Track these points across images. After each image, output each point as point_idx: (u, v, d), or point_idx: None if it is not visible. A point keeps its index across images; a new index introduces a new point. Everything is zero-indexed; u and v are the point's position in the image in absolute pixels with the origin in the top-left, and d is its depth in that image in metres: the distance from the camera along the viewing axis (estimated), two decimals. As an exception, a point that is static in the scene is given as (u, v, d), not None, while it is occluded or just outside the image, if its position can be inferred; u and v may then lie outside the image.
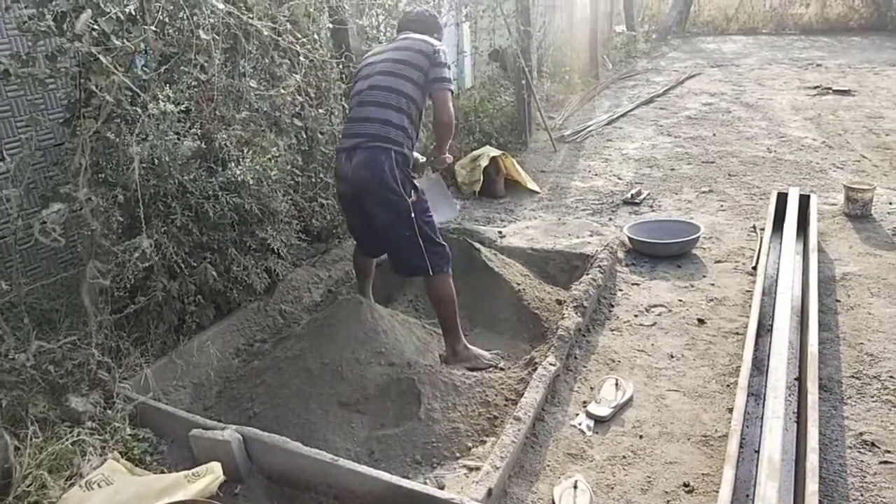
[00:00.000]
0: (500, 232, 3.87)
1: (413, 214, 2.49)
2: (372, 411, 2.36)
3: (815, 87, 7.34)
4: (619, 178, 4.92)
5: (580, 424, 2.27)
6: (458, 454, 2.16)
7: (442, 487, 1.99)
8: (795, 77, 8.07)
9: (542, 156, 5.64)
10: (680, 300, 3.11)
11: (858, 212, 3.87)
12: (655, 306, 3.07)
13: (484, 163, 4.63)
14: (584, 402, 2.39)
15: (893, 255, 3.38)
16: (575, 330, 2.71)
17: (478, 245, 3.35)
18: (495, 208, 4.51)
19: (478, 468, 1.99)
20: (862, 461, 2.04)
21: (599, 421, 2.29)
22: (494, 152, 4.75)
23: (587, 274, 3.13)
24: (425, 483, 2.00)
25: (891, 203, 4.05)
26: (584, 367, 2.63)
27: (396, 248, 2.63)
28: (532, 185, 4.81)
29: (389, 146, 2.49)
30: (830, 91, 7.11)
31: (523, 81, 5.76)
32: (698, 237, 3.58)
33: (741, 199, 4.33)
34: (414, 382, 2.38)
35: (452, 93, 2.65)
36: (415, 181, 2.59)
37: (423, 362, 2.48)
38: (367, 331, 2.54)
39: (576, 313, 2.78)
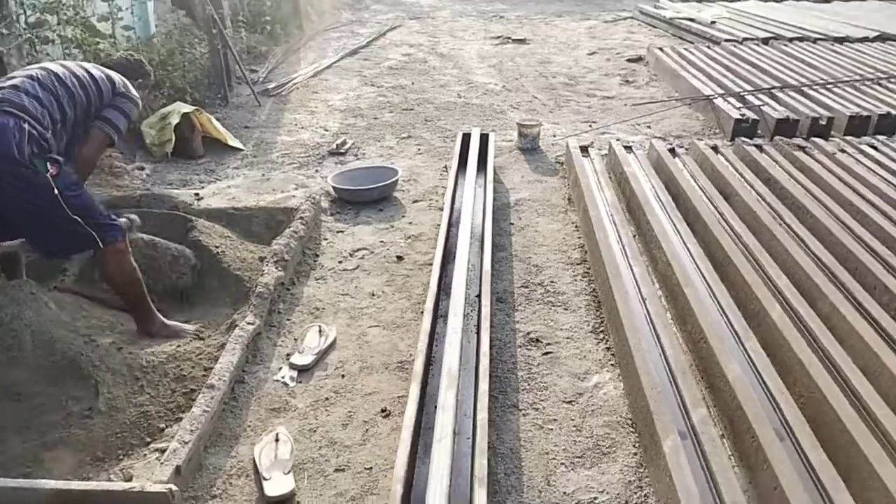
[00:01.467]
0: (196, 194, 3.59)
1: (56, 190, 2.13)
2: (39, 412, 2.03)
3: (498, 37, 8.15)
4: (326, 130, 4.91)
5: (283, 378, 2.25)
6: (148, 439, 1.97)
7: (129, 479, 1.81)
8: (482, 28, 8.85)
9: (245, 111, 5.35)
10: (381, 241, 3.24)
11: (529, 145, 4.43)
12: (359, 250, 3.16)
13: (174, 120, 4.22)
14: (288, 355, 2.37)
15: (555, 180, 3.96)
16: (276, 284, 2.65)
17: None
18: (193, 169, 4.17)
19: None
20: (529, 356, 2.37)
21: (303, 370, 2.29)
22: (186, 108, 4.35)
23: (289, 227, 3.08)
24: (110, 479, 1.79)
25: (554, 136, 4.71)
26: (289, 320, 2.60)
27: (40, 228, 2.24)
28: (234, 143, 4.54)
29: (26, 118, 2.10)
30: (510, 40, 7.95)
31: (215, 31, 5.35)
32: (396, 181, 3.75)
33: (436, 143, 4.64)
34: (90, 372, 2.10)
35: (112, 144, 2.55)
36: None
37: (99, 347, 2.19)
38: (24, 319, 2.15)
39: (276, 268, 2.72)
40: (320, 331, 2.47)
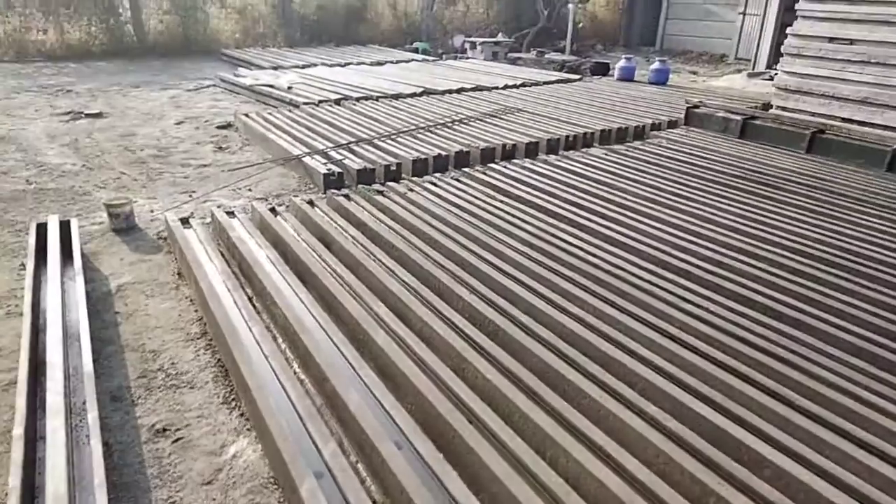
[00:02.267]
0: None
1: None
2: None
3: (68, 113, 7.34)
4: None
5: None
6: None
7: None
8: (47, 104, 7.85)
9: None
10: (-61, 372, 2.59)
11: (124, 225, 4.10)
12: None
13: None
14: None
15: (161, 257, 3.75)
16: None
17: None
18: None
19: None
20: (157, 449, 2.19)
21: None
22: None
23: None
24: None
25: (152, 211, 4.46)
26: None
27: None
28: None
29: None
30: (83, 115, 7.23)
31: None
32: (-50, 293, 3.05)
33: (7, 239, 3.93)
34: None
35: None
36: None
37: None
38: None
39: None
40: None
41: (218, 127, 6.88)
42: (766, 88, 9.29)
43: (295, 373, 2.48)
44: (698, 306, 2.92)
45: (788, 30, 6.65)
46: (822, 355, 2.56)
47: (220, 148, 6.12)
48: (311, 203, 4.10)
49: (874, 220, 4.09)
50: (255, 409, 2.19)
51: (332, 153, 5.27)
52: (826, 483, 1.90)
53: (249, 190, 4.97)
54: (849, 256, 3.49)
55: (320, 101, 7.49)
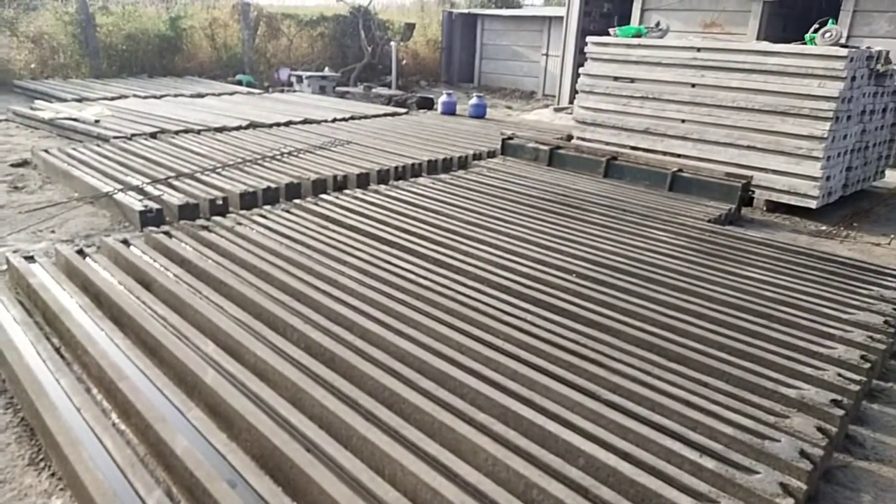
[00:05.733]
0: None
1: None
2: None
3: None
4: None
5: None
6: None
7: None
8: None
9: None
10: None
11: None
12: None
13: None
14: None
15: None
16: None
17: None
18: None
19: None
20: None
21: None
22: None
23: None
24: None
25: (-74, 261, 3.86)
26: None
27: None
28: None
29: None
30: None
31: None
32: None
33: None
34: None
35: None
36: None
37: None
38: None
39: None
40: None
41: (12, 165, 6.13)
42: (569, 121, 10.35)
43: (114, 424, 2.29)
44: (519, 318, 3.18)
45: (580, 70, 7.51)
46: (622, 352, 2.92)
47: (16, 188, 5.47)
48: (125, 242, 3.82)
49: (659, 232, 4.75)
50: (67, 466, 2.00)
51: (150, 189, 4.95)
52: (629, 465, 2.17)
53: (52, 232, 4.49)
54: (639, 265, 4.01)
55: (133, 135, 7.00)
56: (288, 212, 4.70)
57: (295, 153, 6.68)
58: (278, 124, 8.44)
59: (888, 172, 7.46)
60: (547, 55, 15.23)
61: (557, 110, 12.16)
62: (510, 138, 7.43)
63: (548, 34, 15.27)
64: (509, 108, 13.58)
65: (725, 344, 3.05)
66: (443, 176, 6.27)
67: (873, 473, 2.38)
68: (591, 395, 2.56)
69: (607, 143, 7.18)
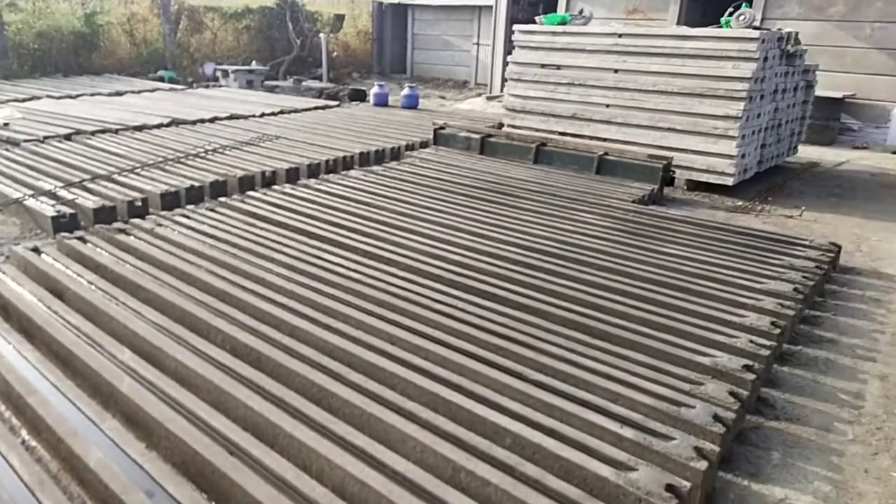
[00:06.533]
0: None
1: None
2: None
3: None
4: None
5: None
6: None
7: None
8: None
9: None
10: None
11: None
12: None
13: None
14: None
15: None
16: None
17: None
18: None
19: None
20: None
21: None
22: None
23: None
24: None
25: None
26: None
27: None
28: None
29: None
30: None
31: None
32: None
33: None
34: None
35: None
36: None
37: None
38: None
39: None
40: None
41: None
42: (501, 110, 10.44)
43: (23, 441, 2.18)
44: (450, 306, 3.20)
45: (508, 58, 7.59)
46: (549, 333, 2.98)
47: (-89, 197, 5.10)
48: (36, 250, 3.62)
49: (586, 214, 4.86)
50: (-32, 491, 1.89)
51: (63, 193, 4.72)
52: (554, 441, 2.22)
53: (-46, 243, 4.22)
54: (567, 247, 4.10)
55: (46, 137, 6.63)
56: (213, 210, 4.57)
57: (221, 150, 6.49)
58: (203, 121, 8.17)
59: (800, 148, 7.87)
60: (478, 44, 15.31)
61: (490, 99, 12.25)
62: (442, 128, 7.44)
63: (478, 23, 15.35)
64: (443, 97, 13.59)
65: (647, 318, 3.16)
66: (375, 168, 6.23)
67: (782, 432, 2.53)
68: (519, 377, 2.60)
69: (537, 130, 7.29)
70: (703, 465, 2.11)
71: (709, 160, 6.15)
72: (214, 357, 2.63)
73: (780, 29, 6.63)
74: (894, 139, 9.26)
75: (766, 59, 6.00)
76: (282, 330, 2.88)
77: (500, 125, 7.81)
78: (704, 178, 6.22)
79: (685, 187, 6.30)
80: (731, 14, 6.61)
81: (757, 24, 6.65)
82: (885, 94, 9.42)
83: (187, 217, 4.38)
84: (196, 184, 5.14)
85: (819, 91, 8.29)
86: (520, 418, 2.33)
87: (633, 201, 5.38)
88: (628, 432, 2.26)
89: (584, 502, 1.95)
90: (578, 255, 3.98)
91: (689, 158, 6.25)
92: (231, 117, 8.55)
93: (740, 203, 5.93)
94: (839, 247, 4.30)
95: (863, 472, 2.31)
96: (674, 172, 6.20)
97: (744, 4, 6.78)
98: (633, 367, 2.72)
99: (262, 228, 4.21)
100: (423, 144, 7.51)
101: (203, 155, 6.24)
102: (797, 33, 6.78)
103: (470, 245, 4.07)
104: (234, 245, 3.86)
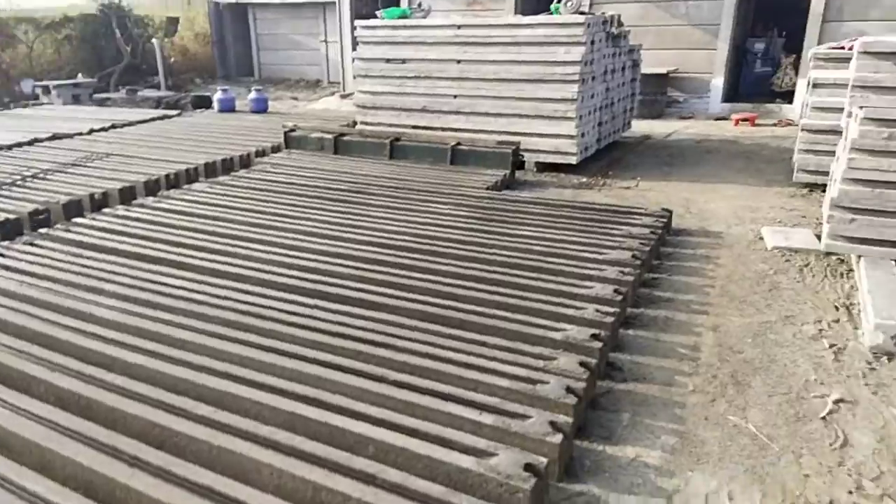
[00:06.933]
0: None
1: None
2: None
3: None
4: None
5: None
6: None
7: None
8: None
9: None
10: None
11: None
12: None
13: None
14: None
15: None
16: None
17: None
18: None
19: None
20: None
21: None
22: None
23: None
24: None
25: None
26: None
27: None
28: None
29: None
30: None
31: None
32: None
33: None
34: None
35: None
36: None
37: None
38: None
39: None
40: None
41: None
42: (354, 107, 10.32)
43: None
44: (304, 316, 3.07)
45: (353, 54, 7.48)
46: (408, 329, 2.95)
47: None
48: None
49: (441, 206, 4.90)
50: None
51: None
52: (417, 440, 2.18)
53: None
54: (423, 240, 4.10)
55: None
56: (32, 245, 4.08)
57: (42, 175, 5.83)
58: (20, 144, 7.30)
59: (634, 123, 8.47)
60: (326, 42, 15.01)
61: (344, 97, 12.05)
62: (293, 130, 7.19)
63: (324, 20, 15.03)
64: (295, 98, 13.19)
65: (502, 302, 3.22)
66: (222, 178, 5.89)
67: (631, 393, 2.68)
68: (380, 380, 2.55)
69: (390, 125, 7.25)
70: (558, 438, 2.17)
71: (553, 142, 6.43)
72: (36, 412, 2.33)
73: (603, 13, 7.06)
74: (715, 107, 10.26)
75: (593, 42, 6.36)
76: (114, 369, 2.61)
77: (355, 123, 7.69)
78: (551, 159, 6.50)
79: (535, 169, 6.55)
80: (559, 1, 6.95)
81: (585, 9, 7.04)
82: (704, 66, 10.37)
83: (2, 256, 3.88)
84: (11, 216, 4.57)
85: (646, 68, 8.96)
86: (382, 423, 2.28)
87: (487, 188, 5.50)
88: (487, 418, 2.28)
89: (447, 498, 1.94)
90: (434, 246, 3.99)
91: (536, 142, 6.50)
92: (54, 137, 7.72)
93: (584, 180, 6.26)
94: (670, 212, 4.66)
95: (703, 419, 2.50)
96: (523, 156, 6.42)
97: (570, -9, 7.16)
98: (491, 351, 2.75)
99: (89, 258, 3.82)
100: (276, 149, 7.22)
101: (20, 183, 5.57)
102: (619, 16, 7.25)
103: (325, 249, 3.95)
104: (56, 280, 3.46)
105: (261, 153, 7.04)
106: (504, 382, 2.48)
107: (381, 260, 3.78)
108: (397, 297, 3.28)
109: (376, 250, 3.94)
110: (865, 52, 3.75)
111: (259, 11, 16.05)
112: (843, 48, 5.36)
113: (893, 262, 3.64)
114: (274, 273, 3.59)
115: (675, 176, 6.35)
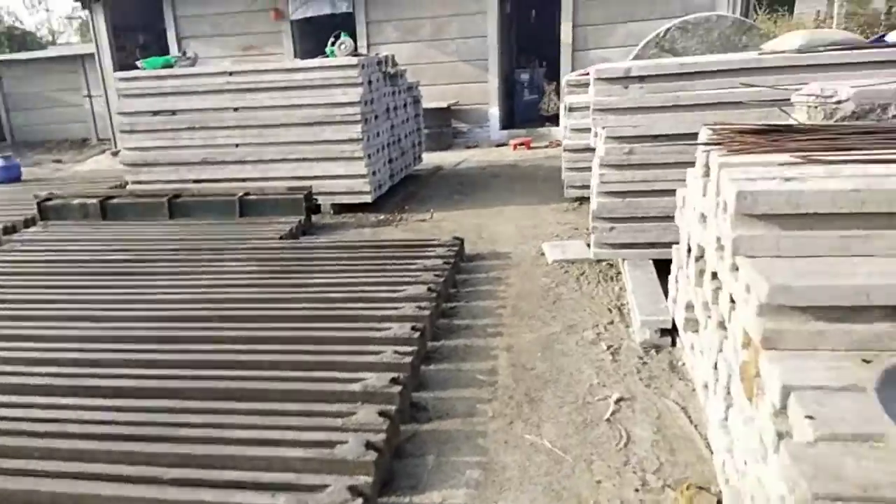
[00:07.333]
0: None
1: None
2: None
3: None
4: None
5: None
6: None
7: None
8: None
9: None
10: None
11: None
12: None
13: None
14: None
15: None
16: None
17: None
18: None
19: None
20: None
21: None
22: None
23: None
24: None
25: None
26: None
27: None
28: None
29: None
30: None
31: None
32: None
33: None
34: None
35: None
36: None
37: None
38: None
39: None
40: None
41: None
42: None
43: None
44: (59, 421, 2.61)
45: (114, 108, 6.82)
46: (190, 414, 2.64)
47: None
48: None
49: (229, 263, 4.58)
50: None
51: None
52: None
53: None
54: (208, 305, 3.77)
55: None
56: None
57: None
58: None
59: (425, 155, 8.77)
60: (90, 96, 13.63)
61: (115, 154, 10.95)
62: (48, 199, 6.32)
63: (84, 74, 13.65)
64: (59, 161, 11.73)
65: (299, 361, 3.04)
66: (-42, 267, 4.94)
67: (435, 432, 2.65)
68: (153, 482, 2.23)
69: (168, 182, 6.70)
70: (358, 502, 2.05)
71: (346, 182, 6.39)
72: None
73: (377, 54, 7.24)
74: (495, 135, 11.02)
75: (370, 82, 6.47)
76: None
77: (126, 184, 6.98)
78: (346, 199, 6.45)
79: (332, 212, 6.45)
80: (333, 44, 6.99)
81: (357, 50, 7.16)
82: (480, 97, 11.11)
83: None
84: None
85: (428, 103, 9.37)
86: (156, 534, 1.98)
87: (281, 237, 5.28)
88: (280, 499, 2.08)
89: None
90: (222, 311, 3.68)
91: (329, 184, 6.40)
92: None
93: (382, 216, 6.30)
94: (462, 239, 4.83)
95: (503, 444, 2.54)
96: (317, 200, 6.29)
97: (342, 34, 7.25)
98: (287, 420, 2.56)
99: None
100: (29, 223, 6.28)
101: None
102: (394, 56, 7.49)
103: (95, 335, 3.45)
104: None
105: (10, 229, 6.08)
106: (299, 452, 2.30)
107: (160, 337, 3.39)
108: (177, 377, 2.94)
109: (158, 326, 3.53)
110: (599, 79, 4.22)
111: (5, 69, 14.13)
112: (587, 74, 6.05)
113: (651, 262, 4.10)
114: (24, 374, 3.04)
115: (466, 203, 6.64)
